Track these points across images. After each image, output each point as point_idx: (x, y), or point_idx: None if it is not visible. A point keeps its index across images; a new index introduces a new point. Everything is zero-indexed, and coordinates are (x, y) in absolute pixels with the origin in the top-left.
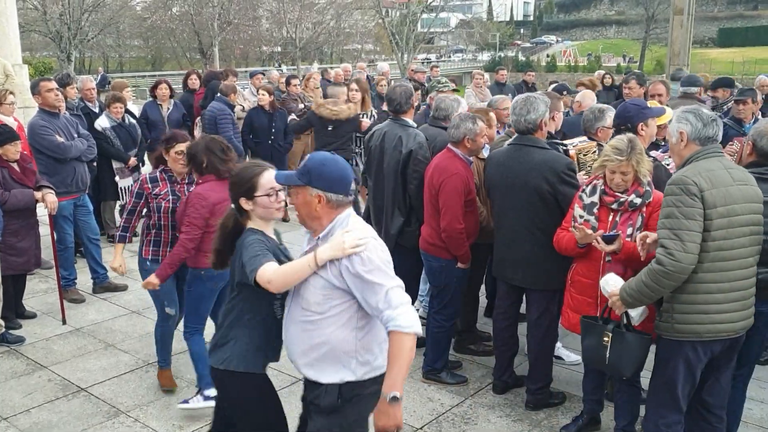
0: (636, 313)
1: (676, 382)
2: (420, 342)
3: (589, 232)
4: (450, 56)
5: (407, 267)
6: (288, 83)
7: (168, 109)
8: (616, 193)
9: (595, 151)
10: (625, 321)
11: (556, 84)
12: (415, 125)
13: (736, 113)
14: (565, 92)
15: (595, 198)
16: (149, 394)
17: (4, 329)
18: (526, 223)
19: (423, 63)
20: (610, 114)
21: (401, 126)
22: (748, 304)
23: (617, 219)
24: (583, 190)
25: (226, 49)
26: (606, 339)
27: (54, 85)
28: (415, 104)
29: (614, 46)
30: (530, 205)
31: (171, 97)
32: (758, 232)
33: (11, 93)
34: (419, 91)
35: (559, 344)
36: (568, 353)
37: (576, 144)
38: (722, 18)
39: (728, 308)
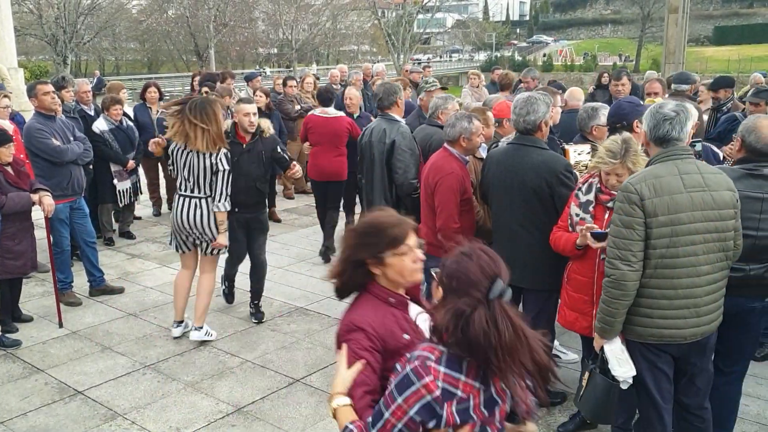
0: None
1: (645, 379)
2: None
3: (590, 238)
4: (449, 56)
5: None
6: (285, 84)
7: (157, 111)
8: (612, 192)
9: (589, 152)
10: (600, 362)
11: (554, 83)
12: (403, 120)
13: (749, 114)
14: (560, 91)
15: (591, 196)
16: (146, 396)
17: (0, 333)
18: (524, 222)
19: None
20: (604, 111)
21: (387, 120)
22: (702, 312)
23: None
24: (579, 188)
25: (222, 51)
26: (584, 377)
27: (50, 88)
28: (402, 102)
29: (610, 45)
30: (528, 205)
31: (161, 99)
32: (718, 239)
33: (6, 96)
34: (408, 89)
35: (556, 342)
36: (566, 351)
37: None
38: (717, 16)
39: (674, 315)
